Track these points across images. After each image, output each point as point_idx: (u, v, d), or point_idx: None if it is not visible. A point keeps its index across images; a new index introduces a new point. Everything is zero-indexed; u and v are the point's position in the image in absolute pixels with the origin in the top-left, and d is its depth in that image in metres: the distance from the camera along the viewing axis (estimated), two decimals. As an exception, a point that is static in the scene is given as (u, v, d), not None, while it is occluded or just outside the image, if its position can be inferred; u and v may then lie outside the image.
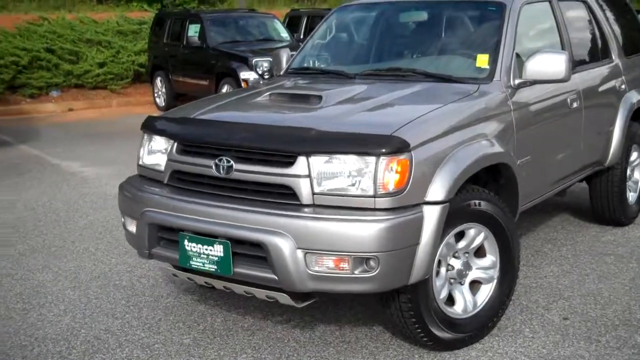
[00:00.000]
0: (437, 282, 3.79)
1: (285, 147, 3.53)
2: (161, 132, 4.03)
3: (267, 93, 4.28)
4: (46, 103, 14.83)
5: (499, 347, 3.94)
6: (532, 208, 5.02)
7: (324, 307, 4.37)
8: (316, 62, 5.20)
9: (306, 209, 3.46)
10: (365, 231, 3.33)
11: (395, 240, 3.37)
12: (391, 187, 3.41)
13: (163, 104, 14.31)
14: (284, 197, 3.52)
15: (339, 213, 3.40)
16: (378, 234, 3.33)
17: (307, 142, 3.50)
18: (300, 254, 3.37)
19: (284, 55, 5.29)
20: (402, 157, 3.43)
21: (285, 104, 4.19)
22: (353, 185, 3.44)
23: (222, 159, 3.66)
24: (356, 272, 3.38)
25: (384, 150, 3.40)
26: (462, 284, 3.95)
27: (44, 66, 15.12)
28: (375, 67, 4.88)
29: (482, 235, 3.93)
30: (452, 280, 3.91)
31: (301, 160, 3.48)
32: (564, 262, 5.26)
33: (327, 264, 3.39)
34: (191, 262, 3.65)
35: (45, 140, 10.97)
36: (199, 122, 3.99)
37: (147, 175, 4.11)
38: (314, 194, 3.47)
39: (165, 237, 3.82)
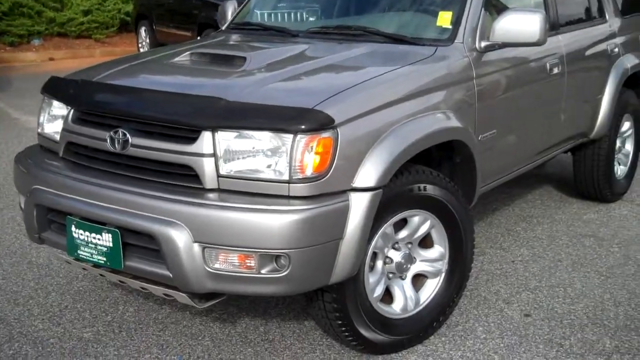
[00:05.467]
0: (371, 278, 3.25)
1: (187, 119, 2.96)
2: (59, 96, 3.47)
3: (188, 52, 3.67)
4: (27, 52, 14.22)
5: (443, 351, 3.42)
6: (511, 180, 4.47)
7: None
8: (262, 16, 4.58)
9: (209, 195, 2.91)
10: (274, 223, 2.78)
11: (311, 235, 2.81)
12: (309, 172, 2.84)
13: (147, 55, 13.64)
14: (185, 179, 2.97)
15: (244, 200, 2.85)
16: (289, 227, 2.78)
17: (214, 114, 2.93)
18: (197, 248, 2.83)
19: (230, 8, 4.69)
20: (325, 135, 2.86)
21: (204, 66, 3.59)
22: (265, 167, 2.88)
23: (117, 131, 3.10)
24: (263, 271, 2.84)
25: (302, 126, 2.83)
26: (403, 279, 3.42)
27: (26, 13, 14.45)
28: (323, 24, 4.24)
29: (428, 224, 3.38)
30: (390, 275, 3.37)
31: (206, 135, 2.91)
32: (537, 244, 4.71)
33: (229, 261, 2.85)
34: (79, 252, 3.12)
35: (14, 92, 10.40)
36: (98, 86, 3.40)
37: (45, 146, 3.56)
38: (219, 176, 2.91)
39: (55, 220, 3.29)
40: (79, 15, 14.86)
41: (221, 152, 2.90)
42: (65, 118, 3.36)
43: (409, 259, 3.39)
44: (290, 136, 2.83)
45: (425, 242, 3.45)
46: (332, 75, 3.39)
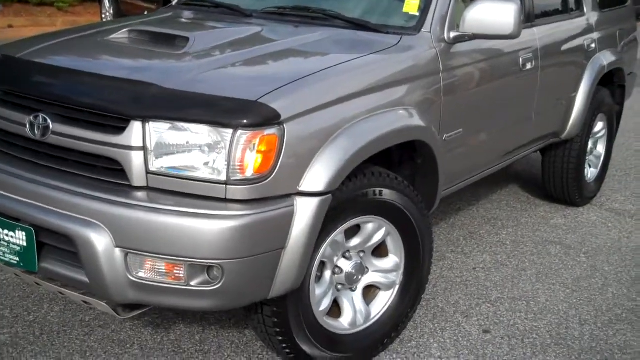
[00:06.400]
0: (317, 290, 2.95)
1: (114, 106, 2.61)
2: (-21, 74, 3.09)
3: (126, 30, 3.31)
4: (-15, 18, 13.67)
5: (393, 371, 3.15)
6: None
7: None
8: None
9: (136, 193, 2.57)
10: (206, 229, 2.46)
11: (248, 244, 2.50)
12: (250, 172, 2.52)
13: (110, 26, 13.14)
14: (110, 174, 2.63)
15: (174, 202, 2.51)
16: (224, 235, 2.46)
17: (145, 102, 2.59)
18: (119, 254, 2.50)
19: (184, -19, 4.31)
20: (269, 131, 2.53)
21: (142, 46, 3.21)
22: (201, 165, 2.55)
23: (38, 116, 2.74)
24: (193, 283, 2.52)
25: (244, 121, 2.50)
26: (353, 291, 3.12)
27: (-16, -23, 13.87)
28: (280, 3, 3.89)
29: (383, 231, 3.09)
30: (339, 286, 3.07)
31: (135, 126, 2.57)
32: (501, 250, 4.45)
33: (155, 270, 2.52)
34: (-10, 250, 2.77)
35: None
36: (20, 64, 3.01)
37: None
38: (148, 173, 2.57)
39: (-32, 214, 2.93)
40: (41, -19, 14.29)
41: (152, 145, 2.56)
42: (-15, 99, 2.99)
43: (361, 269, 3.09)
44: (230, 131, 2.51)
45: (380, 251, 3.16)
46: (283, 63, 3.05)
